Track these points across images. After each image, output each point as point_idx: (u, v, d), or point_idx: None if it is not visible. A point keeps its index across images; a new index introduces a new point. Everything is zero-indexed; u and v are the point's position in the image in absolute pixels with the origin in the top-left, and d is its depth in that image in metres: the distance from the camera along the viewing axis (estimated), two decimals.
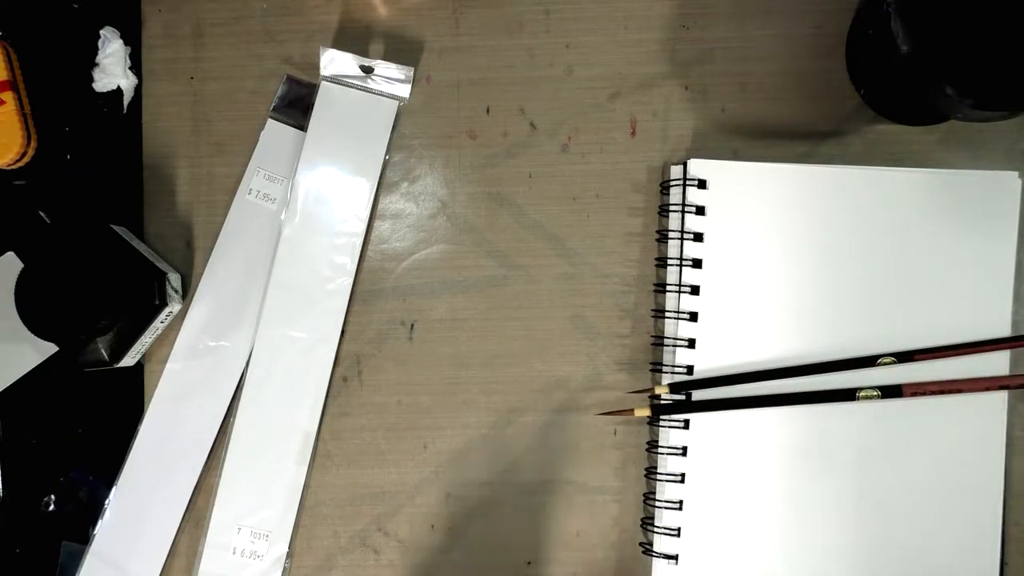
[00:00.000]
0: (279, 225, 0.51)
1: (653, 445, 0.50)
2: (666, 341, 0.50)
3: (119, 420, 0.51)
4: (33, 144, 0.52)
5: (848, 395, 0.48)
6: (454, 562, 0.51)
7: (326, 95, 0.51)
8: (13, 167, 0.52)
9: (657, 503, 0.49)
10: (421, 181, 0.52)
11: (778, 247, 0.49)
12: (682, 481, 0.49)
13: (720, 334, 0.49)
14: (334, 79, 0.52)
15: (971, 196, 0.49)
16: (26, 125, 0.51)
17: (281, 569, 0.50)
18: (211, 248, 0.52)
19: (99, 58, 0.52)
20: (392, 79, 0.51)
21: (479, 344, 0.51)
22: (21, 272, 0.46)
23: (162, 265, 0.50)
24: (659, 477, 0.49)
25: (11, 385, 0.51)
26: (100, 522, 0.50)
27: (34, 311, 0.45)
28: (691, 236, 0.49)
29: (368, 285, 0.52)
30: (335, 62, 0.51)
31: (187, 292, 0.52)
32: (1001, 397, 0.49)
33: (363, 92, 0.52)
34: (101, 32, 0.52)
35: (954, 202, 0.49)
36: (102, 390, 0.51)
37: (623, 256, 0.51)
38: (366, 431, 0.51)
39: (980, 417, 0.49)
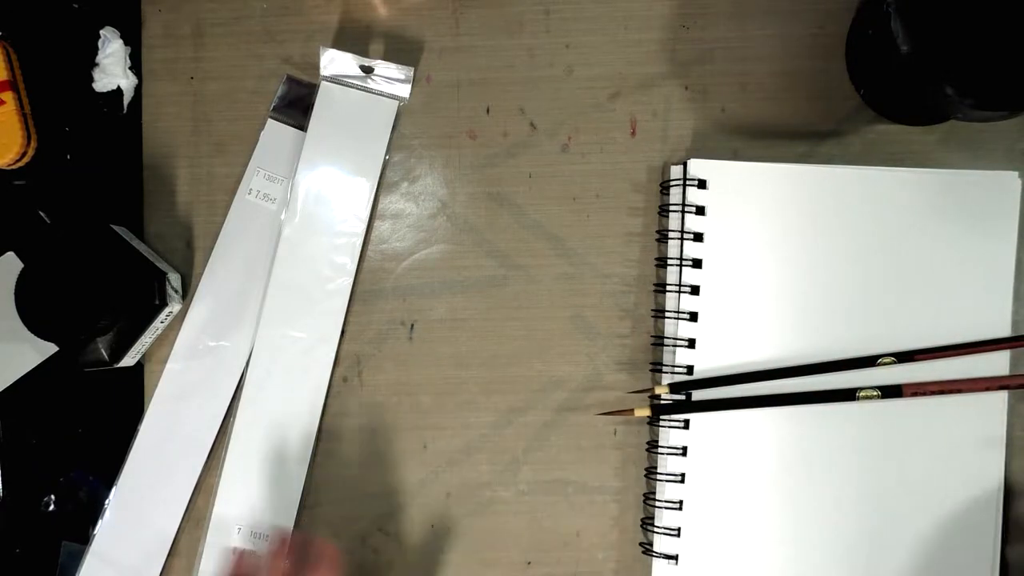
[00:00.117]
0: (279, 225, 0.51)
1: (653, 445, 0.50)
2: (666, 341, 0.50)
3: (119, 420, 0.51)
4: (33, 144, 0.52)
5: (848, 395, 0.48)
6: (454, 562, 0.51)
7: (326, 95, 0.51)
8: (13, 167, 0.52)
9: (657, 503, 0.49)
10: (421, 181, 0.52)
11: (778, 247, 0.49)
12: (682, 481, 0.49)
13: (720, 334, 0.49)
14: (334, 79, 0.52)
15: (971, 196, 0.49)
16: (26, 125, 0.51)
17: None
18: (211, 248, 0.52)
19: (99, 58, 0.52)
20: (392, 79, 0.51)
21: (479, 344, 0.51)
22: (21, 272, 0.46)
23: (162, 265, 0.50)
24: (659, 477, 0.49)
25: (11, 385, 0.51)
26: (100, 522, 0.50)
27: (34, 311, 0.45)
28: (691, 236, 0.49)
29: (368, 285, 0.52)
30: (335, 62, 0.51)
31: (187, 292, 0.52)
32: (1001, 397, 0.49)
33: (363, 92, 0.52)
34: (101, 32, 0.52)
35: (954, 202, 0.49)
36: (102, 390, 0.51)
37: (623, 256, 0.51)
38: (366, 431, 0.51)
39: (980, 417, 0.49)
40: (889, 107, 0.51)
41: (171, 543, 0.50)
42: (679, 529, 0.48)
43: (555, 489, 0.51)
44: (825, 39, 0.52)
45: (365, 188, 0.51)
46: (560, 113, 0.52)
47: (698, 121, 0.52)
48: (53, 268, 0.46)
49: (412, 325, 0.52)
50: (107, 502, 0.50)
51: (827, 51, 0.52)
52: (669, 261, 0.50)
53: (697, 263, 0.49)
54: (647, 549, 0.49)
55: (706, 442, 0.49)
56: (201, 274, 0.52)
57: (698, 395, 0.49)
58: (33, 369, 0.51)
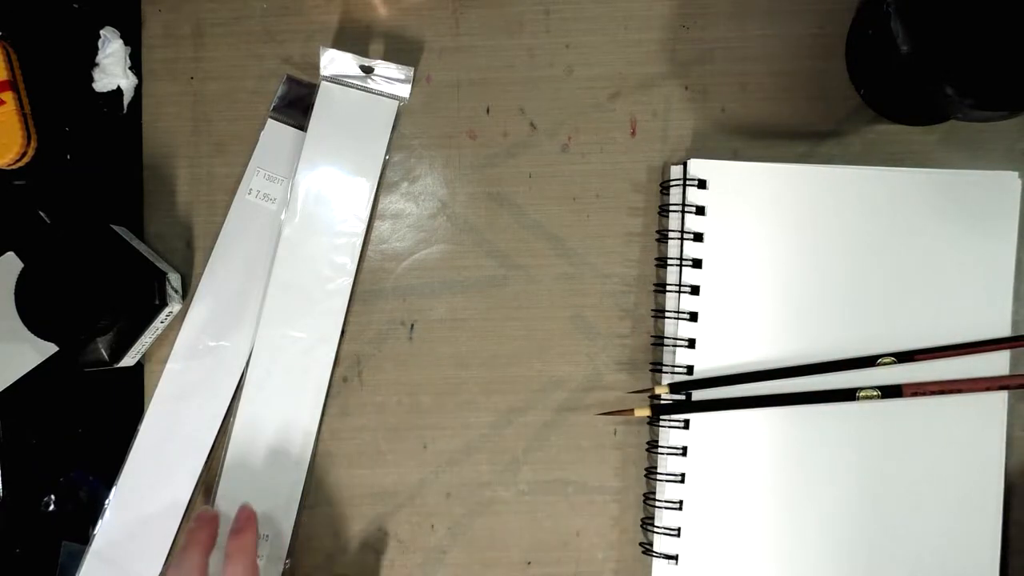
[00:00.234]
0: (279, 225, 0.51)
1: (653, 445, 0.50)
2: (666, 341, 0.50)
3: (119, 420, 0.51)
4: (33, 144, 0.52)
5: (848, 395, 0.48)
6: (454, 562, 0.51)
7: (326, 95, 0.51)
8: (13, 167, 0.52)
9: (657, 503, 0.49)
10: (421, 181, 0.52)
11: (778, 247, 0.49)
12: (682, 481, 0.49)
13: (720, 334, 0.49)
14: (334, 79, 0.52)
15: (971, 196, 0.49)
16: (26, 125, 0.51)
17: (281, 569, 0.50)
18: (211, 248, 0.52)
19: (99, 58, 0.52)
20: (392, 79, 0.51)
21: (479, 344, 0.51)
22: (21, 272, 0.46)
23: (162, 265, 0.50)
24: (659, 477, 0.49)
25: (11, 385, 0.51)
26: (100, 522, 0.50)
27: (34, 311, 0.45)
28: (691, 236, 0.49)
29: (368, 285, 0.52)
30: (335, 62, 0.51)
31: (187, 292, 0.52)
32: (1001, 397, 0.49)
33: (363, 92, 0.52)
34: (101, 32, 0.52)
35: (954, 202, 0.49)
36: (102, 390, 0.51)
37: (623, 256, 0.51)
38: (366, 431, 0.51)
39: (980, 417, 0.49)
40: (889, 107, 0.51)
41: (171, 543, 0.50)
42: (679, 529, 0.48)
43: (555, 489, 0.51)
44: (825, 39, 0.52)
45: (365, 188, 0.51)
46: (560, 113, 0.52)
47: (698, 121, 0.52)
48: (53, 268, 0.46)
49: (412, 325, 0.52)
50: (107, 502, 0.50)
51: (827, 51, 0.52)
52: (669, 261, 0.50)
53: (697, 263, 0.49)
54: (647, 549, 0.49)
55: (706, 442, 0.49)
56: (201, 274, 0.52)
57: (698, 395, 0.49)
58: (33, 369, 0.51)
